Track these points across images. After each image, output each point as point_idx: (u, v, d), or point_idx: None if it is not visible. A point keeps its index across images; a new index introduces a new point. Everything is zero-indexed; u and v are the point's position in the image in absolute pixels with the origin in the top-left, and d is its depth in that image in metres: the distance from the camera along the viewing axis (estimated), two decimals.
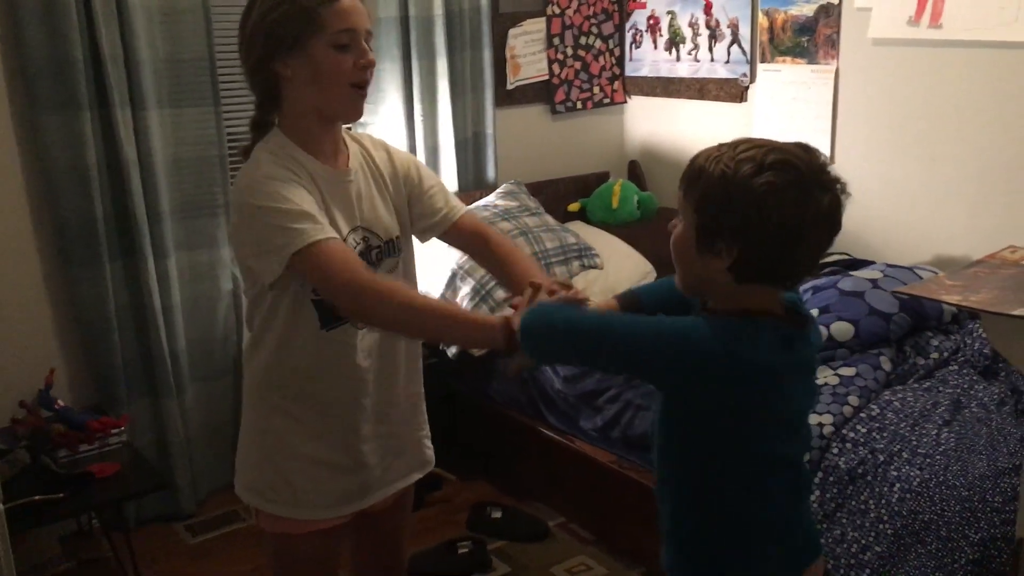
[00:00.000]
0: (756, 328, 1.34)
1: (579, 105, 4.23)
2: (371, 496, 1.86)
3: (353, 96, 1.68)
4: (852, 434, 2.42)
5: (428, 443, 2.00)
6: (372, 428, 1.82)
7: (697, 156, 1.36)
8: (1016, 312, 1.44)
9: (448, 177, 3.80)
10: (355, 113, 1.73)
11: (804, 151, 1.31)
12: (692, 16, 3.92)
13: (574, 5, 4.11)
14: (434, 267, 3.38)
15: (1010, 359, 2.24)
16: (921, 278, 2.82)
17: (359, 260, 1.66)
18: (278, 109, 1.71)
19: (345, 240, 1.69)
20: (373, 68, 1.69)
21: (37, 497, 2.55)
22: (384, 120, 3.62)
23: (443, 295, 3.37)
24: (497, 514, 3.15)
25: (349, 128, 1.87)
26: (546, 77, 4.10)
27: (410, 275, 1.89)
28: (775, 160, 1.28)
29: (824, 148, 3.51)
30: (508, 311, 1.65)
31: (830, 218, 1.31)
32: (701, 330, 1.33)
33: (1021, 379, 2.65)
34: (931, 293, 1.94)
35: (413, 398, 1.93)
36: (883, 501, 2.26)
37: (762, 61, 3.70)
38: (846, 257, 3.27)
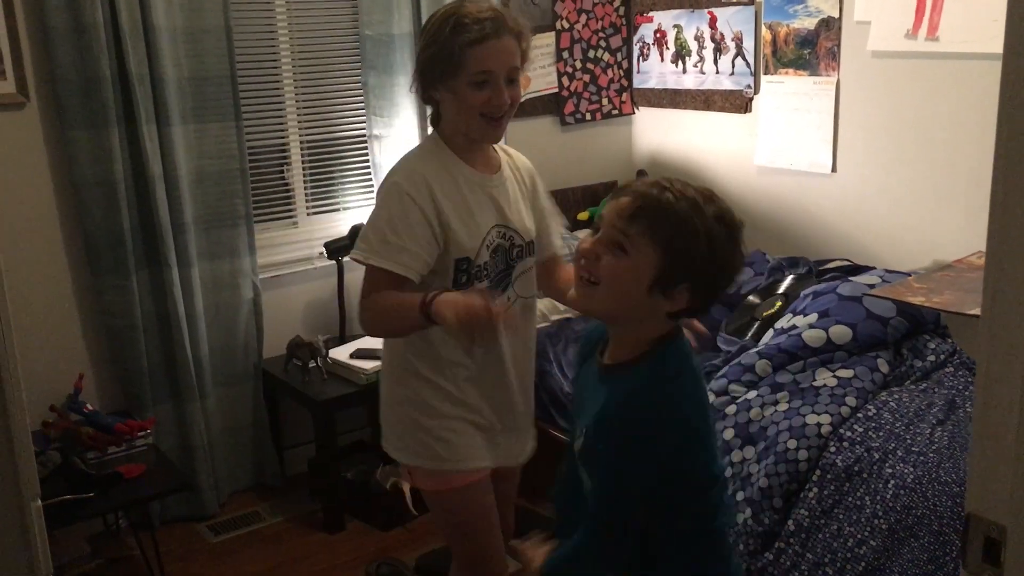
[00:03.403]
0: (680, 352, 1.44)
1: (588, 116, 4.32)
2: (508, 456, 2.13)
3: (484, 124, 1.94)
4: (849, 433, 2.50)
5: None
6: (508, 395, 2.08)
7: (645, 193, 1.36)
8: (971, 312, 1.54)
9: None
10: (490, 137, 2.00)
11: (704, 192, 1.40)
12: (698, 29, 4.01)
13: (583, 20, 4.20)
14: None
15: (972, 356, 2.32)
16: None
17: (390, 294, 1.86)
18: (442, 119, 2.01)
19: (487, 236, 1.97)
20: (507, 105, 1.92)
21: (68, 496, 2.65)
22: (399, 132, 3.70)
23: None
24: None
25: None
26: (556, 90, 4.19)
27: (532, 278, 2.12)
28: (711, 199, 1.38)
29: (826, 157, 3.60)
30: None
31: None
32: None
33: None
34: (898, 295, 2.05)
35: (531, 375, 2.17)
36: (878, 497, 2.34)
37: (765, 73, 3.78)
38: (847, 263, 3.35)
